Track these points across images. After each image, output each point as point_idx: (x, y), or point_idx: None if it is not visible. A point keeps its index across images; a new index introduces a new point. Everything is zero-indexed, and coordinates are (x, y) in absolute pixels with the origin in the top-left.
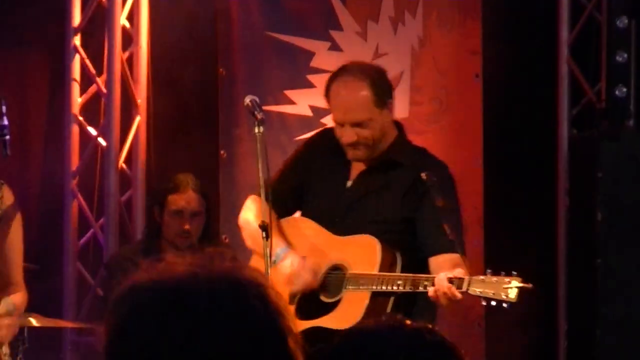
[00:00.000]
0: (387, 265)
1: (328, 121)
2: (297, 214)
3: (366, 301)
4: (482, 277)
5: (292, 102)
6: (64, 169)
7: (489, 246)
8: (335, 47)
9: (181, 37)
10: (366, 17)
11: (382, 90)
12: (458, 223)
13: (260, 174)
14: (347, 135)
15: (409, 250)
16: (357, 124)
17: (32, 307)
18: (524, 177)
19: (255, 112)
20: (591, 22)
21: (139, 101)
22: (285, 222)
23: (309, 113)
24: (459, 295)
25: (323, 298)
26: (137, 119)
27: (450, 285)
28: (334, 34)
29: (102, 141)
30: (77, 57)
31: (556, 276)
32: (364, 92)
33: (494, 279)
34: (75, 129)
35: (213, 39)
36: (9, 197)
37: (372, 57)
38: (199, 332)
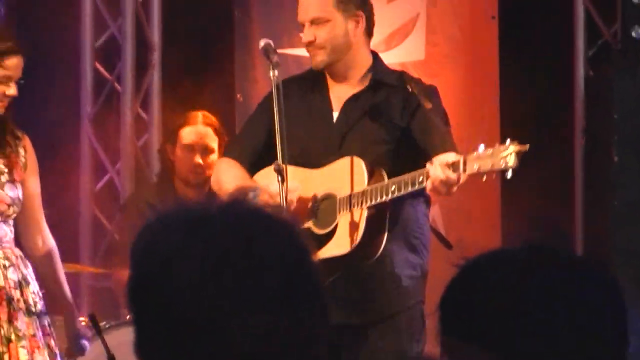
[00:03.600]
0: (376, 180)
1: None
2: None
3: (363, 218)
4: (475, 153)
5: None
6: (80, 113)
7: (504, 185)
8: None
9: None
10: None
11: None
12: (448, 128)
13: (276, 117)
14: (305, 35)
15: (406, 166)
16: (315, 22)
17: None
18: (541, 118)
19: (270, 55)
20: None
21: (154, 44)
22: (259, 176)
23: None
24: (454, 177)
25: (318, 231)
26: (153, 61)
27: (446, 171)
28: None
29: (117, 85)
30: (90, 0)
31: (573, 216)
32: None
33: (489, 151)
34: (90, 73)
35: None
36: (30, 148)
37: (388, 0)
38: (224, 261)
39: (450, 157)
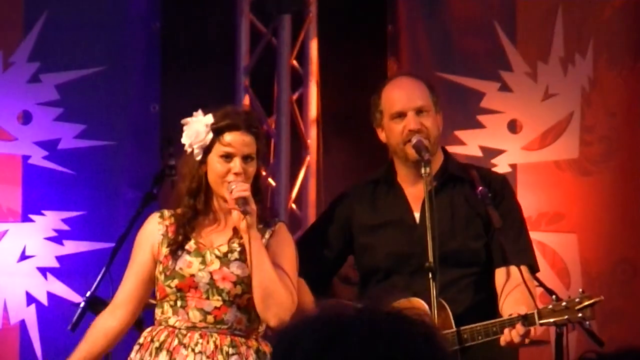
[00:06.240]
0: (442, 319)
1: (498, 161)
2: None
3: None
4: (550, 306)
5: (462, 143)
6: None
7: None
8: (505, 87)
9: (351, 77)
10: (536, 57)
11: (436, 95)
12: (522, 227)
13: (428, 215)
14: (412, 122)
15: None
16: (420, 110)
17: None
18: None
19: (422, 153)
20: None
21: (308, 141)
22: None
23: (479, 153)
24: (532, 333)
25: None
26: (307, 159)
27: (520, 327)
28: (504, 74)
29: (271, 181)
30: (246, 97)
31: None
32: (423, 85)
33: (563, 303)
34: None
35: (383, 81)
36: (282, 235)
37: (542, 98)
38: None
39: (521, 309)
